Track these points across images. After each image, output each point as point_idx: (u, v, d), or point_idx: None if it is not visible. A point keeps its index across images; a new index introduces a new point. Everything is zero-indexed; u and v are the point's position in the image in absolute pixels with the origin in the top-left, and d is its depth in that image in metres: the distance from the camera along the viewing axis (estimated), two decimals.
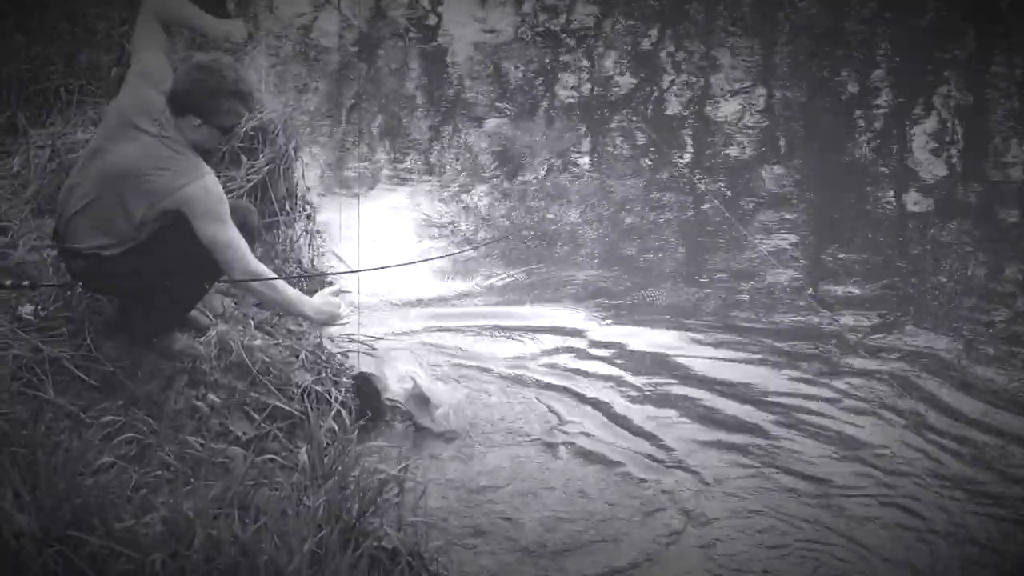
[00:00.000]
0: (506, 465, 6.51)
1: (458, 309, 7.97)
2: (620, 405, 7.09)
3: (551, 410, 6.99)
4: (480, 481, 6.37)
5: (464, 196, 9.43)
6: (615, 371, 7.40)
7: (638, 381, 7.31)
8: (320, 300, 6.06)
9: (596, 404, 7.08)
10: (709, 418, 7.01)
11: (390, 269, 6.53)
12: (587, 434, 6.81)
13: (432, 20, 13.07)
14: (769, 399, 7.17)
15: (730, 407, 7.09)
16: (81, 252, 5.89)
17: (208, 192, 5.75)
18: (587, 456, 6.63)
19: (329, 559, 5.01)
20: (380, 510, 5.57)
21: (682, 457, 6.66)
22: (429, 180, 9.66)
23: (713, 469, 6.57)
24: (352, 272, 6.99)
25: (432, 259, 7.96)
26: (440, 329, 7.70)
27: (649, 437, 6.82)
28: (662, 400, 7.15)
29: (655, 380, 7.32)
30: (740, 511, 6.27)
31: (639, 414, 7.00)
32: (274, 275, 5.94)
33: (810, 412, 7.05)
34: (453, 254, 8.21)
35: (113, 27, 8.32)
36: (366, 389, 6.68)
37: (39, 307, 6.20)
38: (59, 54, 7.92)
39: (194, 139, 5.84)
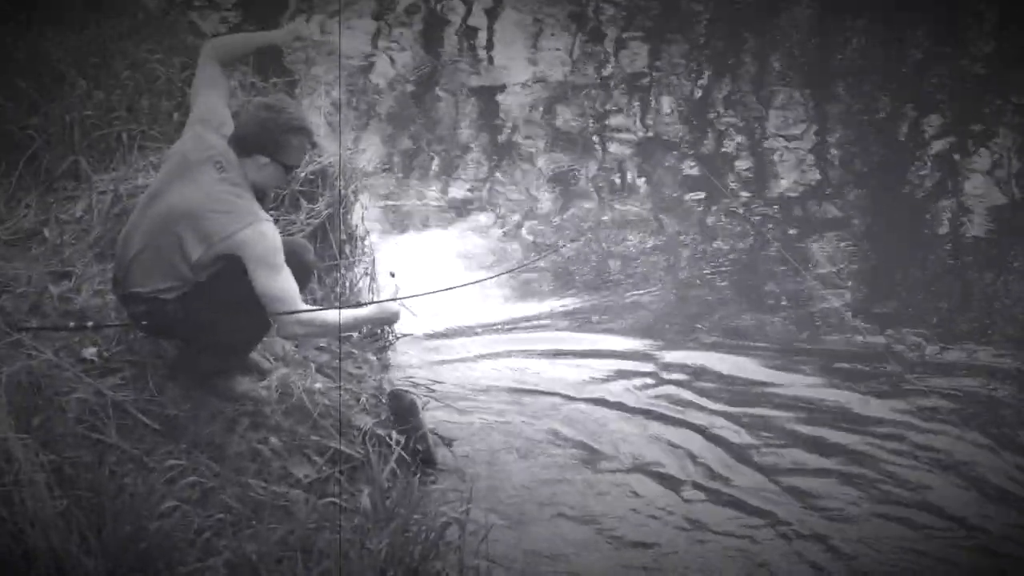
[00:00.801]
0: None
1: (525, 335, 8.03)
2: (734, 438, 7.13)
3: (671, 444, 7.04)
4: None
5: (519, 231, 9.44)
6: (711, 403, 7.43)
7: (735, 410, 7.35)
8: (375, 306, 6.08)
9: (715, 439, 7.12)
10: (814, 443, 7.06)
11: (442, 294, 6.51)
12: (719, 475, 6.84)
13: (485, 62, 13.11)
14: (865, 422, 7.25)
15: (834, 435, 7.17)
16: (141, 296, 5.93)
17: (264, 238, 5.76)
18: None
19: None
20: (442, 553, 5.58)
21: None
22: (482, 215, 9.70)
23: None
24: (395, 299, 6.99)
25: (478, 281, 7.89)
26: (509, 353, 7.81)
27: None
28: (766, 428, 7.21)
29: (749, 409, 7.37)
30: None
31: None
32: (328, 317, 5.90)
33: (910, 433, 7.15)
34: (488, 278, 8.17)
35: (174, 72, 8.39)
36: (398, 407, 6.62)
37: (102, 348, 6.25)
38: (121, 100, 7.98)
39: (258, 179, 5.88)
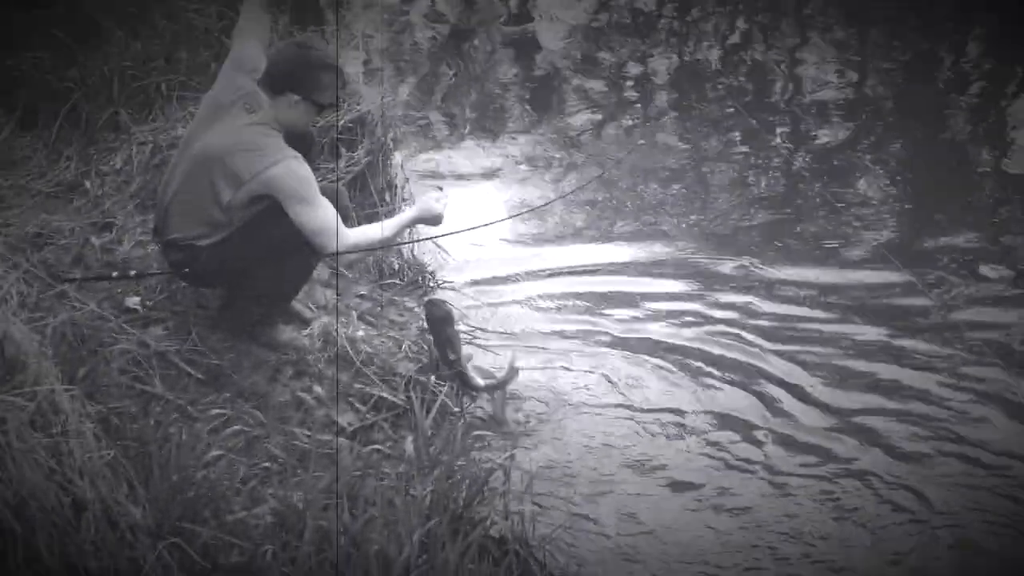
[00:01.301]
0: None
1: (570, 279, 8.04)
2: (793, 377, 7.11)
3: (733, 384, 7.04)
4: None
5: (556, 181, 9.44)
6: (767, 342, 7.42)
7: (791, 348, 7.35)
8: (421, 204, 6.14)
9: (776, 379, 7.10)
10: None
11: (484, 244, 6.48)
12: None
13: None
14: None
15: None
16: (178, 243, 5.97)
17: (294, 173, 5.79)
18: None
19: (438, 548, 5.02)
20: (487, 499, 5.58)
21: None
22: (522, 166, 9.67)
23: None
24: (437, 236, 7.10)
25: (513, 217, 7.97)
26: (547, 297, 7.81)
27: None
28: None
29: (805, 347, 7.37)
30: None
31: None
32: (372, 233, 6.01)
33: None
34: (522, 213, 8.25)
35: (211, 22, 8.36)
36: (436, 315, 6.56)
37: (145, 298, 6.28)
38: (159, 51, 7.97)
39: (289, 119, 5.90)
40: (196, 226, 5.91)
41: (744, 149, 9.92)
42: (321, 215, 5.79)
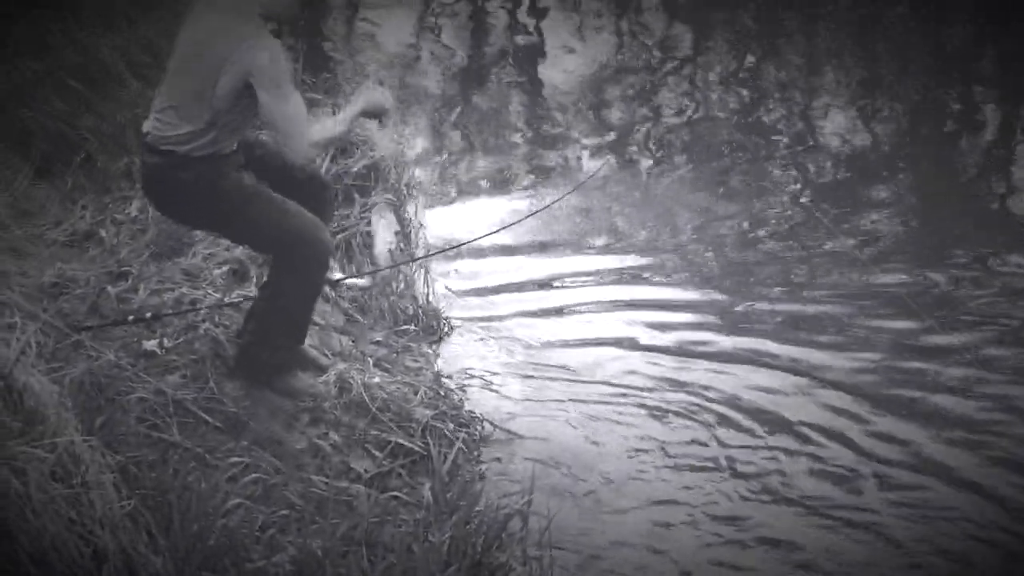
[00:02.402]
0: None
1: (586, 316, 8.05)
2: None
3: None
4: None
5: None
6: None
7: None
8: (366, 95, 6.08)
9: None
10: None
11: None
12: None
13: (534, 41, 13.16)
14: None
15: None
16: (158, 147, 5.88)
17: (272, 55, 5.69)
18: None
19: None
20: (505, 545, 5.58)
21: None
22: (530, 191, 9.74)
23: None
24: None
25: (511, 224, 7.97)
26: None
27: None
28: None
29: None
30: None
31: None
32: (330, 129, 5.98)
33: None
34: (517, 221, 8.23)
35: None
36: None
37: (162, 339, 6.29)
38: None
39: (273, 7, 5.87)
40: (178, 124, 5.82)
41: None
42: (292, 107, 5.70)
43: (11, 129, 7.95)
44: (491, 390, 7.15)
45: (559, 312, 8.07)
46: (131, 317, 6.34)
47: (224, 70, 5.68)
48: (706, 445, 6.73)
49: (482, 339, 7.67)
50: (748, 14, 14.04)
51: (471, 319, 7.85)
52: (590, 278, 8.49)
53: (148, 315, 6.35)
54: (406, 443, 6.28)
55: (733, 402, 7.06)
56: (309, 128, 5.77)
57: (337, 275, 6.90)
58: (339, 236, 7.44)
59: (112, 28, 8.75)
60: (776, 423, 6.85)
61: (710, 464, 6.56)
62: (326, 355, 6.62)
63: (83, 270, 6.86)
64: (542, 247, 8.88)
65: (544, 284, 8.43)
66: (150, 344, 6.31)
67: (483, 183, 10.20)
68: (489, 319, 7.90)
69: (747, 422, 6.88)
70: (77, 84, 7.99)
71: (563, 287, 8.40)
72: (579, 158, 10.74)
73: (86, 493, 4.44)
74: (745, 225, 9.27)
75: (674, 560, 5.89)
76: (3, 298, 6.31)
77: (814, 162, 10.50)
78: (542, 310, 8.07)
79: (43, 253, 7.06)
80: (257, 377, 6.29)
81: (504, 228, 8.04)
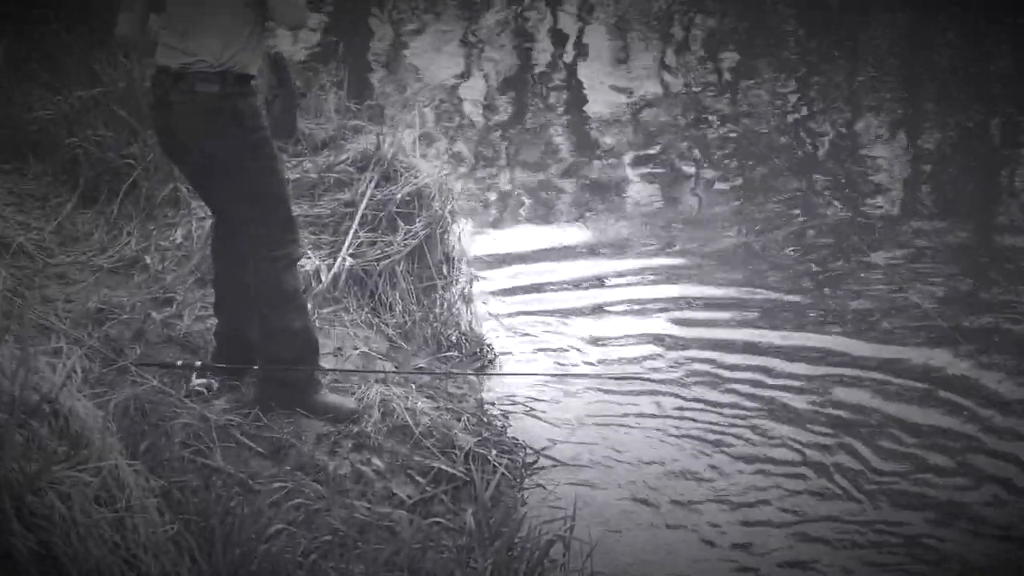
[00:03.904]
0: None
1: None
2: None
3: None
4: None
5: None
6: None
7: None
8: None
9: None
10: None
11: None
12: None
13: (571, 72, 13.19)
14: None
15: None
16: (170, 69, 5.85)
17: None
18: None
19: None
20: (547, 571, 5.57)
21: None
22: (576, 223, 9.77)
23: None
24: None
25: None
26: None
27: None
28: None
29: None
30: None
31: None
32: None
33: None
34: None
35: None
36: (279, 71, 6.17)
37: (211, 382, 6.31)
38: None
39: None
40: (190, 53, 5.78)
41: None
42: None
43: (59, 158, 8.02)
44: (534, 416, 7.16)
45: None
46: (180, 362, 6.35)
47: None
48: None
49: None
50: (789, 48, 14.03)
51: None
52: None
53: (197, 364, 6.35)
54: (449, 469, 6.28)
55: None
56: None
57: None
58: (383, 263, 7.45)
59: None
60: None
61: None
62: (350, 402, 6.49)
63: (128, 296, 6.89)
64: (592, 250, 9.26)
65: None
66: (198, 383, 6.32)
67: (523, 210, 10.30)
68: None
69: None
70: (123, 112, 8.04)
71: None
72: (624, 179, 10.81)
73: (130, 517, 4.45)
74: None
75: None
76: (49, 324, 6.36)
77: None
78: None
79: (88, 279, 7.10)
80: (287, 401, 6.28)
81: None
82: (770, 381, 7.62)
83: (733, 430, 7.12)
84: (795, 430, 7.11)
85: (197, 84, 5.78)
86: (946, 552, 6.10)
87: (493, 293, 8.52)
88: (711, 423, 7.18)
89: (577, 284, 9.01)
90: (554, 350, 8.02)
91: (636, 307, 8.61)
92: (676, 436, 7.06)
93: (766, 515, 6.43)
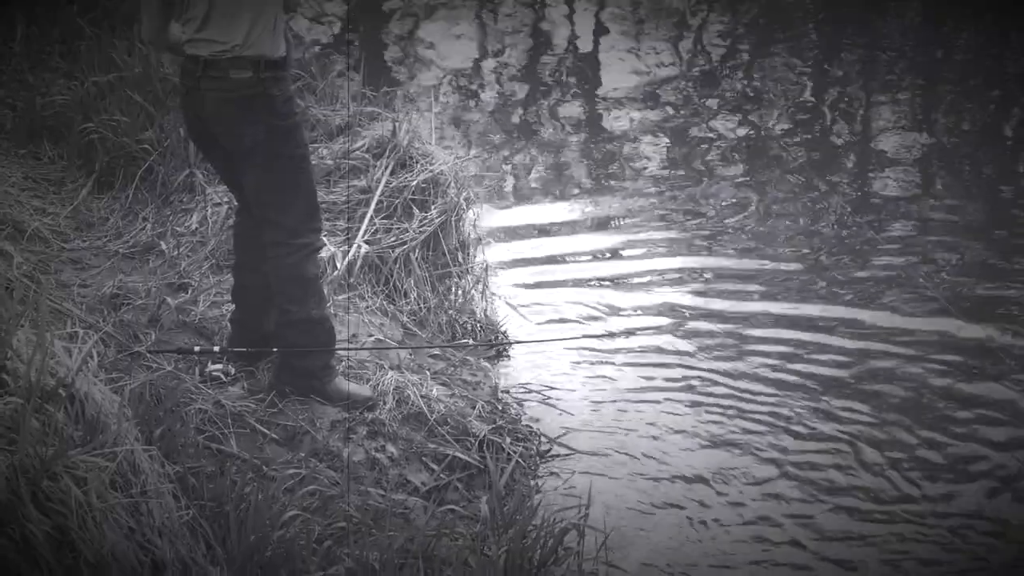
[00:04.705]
0: None
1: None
2: None
3: None
4: None
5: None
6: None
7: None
8: None
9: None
10: None
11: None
12: None
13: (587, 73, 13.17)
14: None
15: None
16: (200, 58, 5.83)
17: None
18: None
19: None
20: (561, 559, 5.57)
21: None
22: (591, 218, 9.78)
23: None
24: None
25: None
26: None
27: None
28: None
29: None
30: None
31: None
32: None
33: None
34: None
35: None
36: None
37: (228, 367, 6.31)
38: None
39: None
40: (215, 42, 5.78)
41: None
42: None
43: (76, 143, 8.02)
44: (549, 404, 7.16)
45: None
46: (198, 348, 6.34)
47: None
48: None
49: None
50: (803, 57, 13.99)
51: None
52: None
53: (215, 349, 6.35)
54: (463, 457, 6.28)
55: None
56: None
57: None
58: (398, 250, 7.45)
59: None
60: None
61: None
62: (366, 390, 6.48)
63: (143, 281, 6.90)
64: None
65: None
66: (215, 369, 6.32)
67: (537, 183, 10.35)
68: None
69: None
70: (139, 97, 8.04)
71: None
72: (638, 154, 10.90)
73: (145, 503, 4.46)
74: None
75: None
76: (65, 309, 6.37)
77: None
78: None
79: (104, 265, 7.11)
80: (302, 387, 6.29)
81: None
82: (798, 353, 7.71)
83: (752, 409, 7.16)
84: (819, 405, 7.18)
85: (231, 70, 5.77)
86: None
87: (508, 264, 8.62)
88: (733, 404, 7.23)
89: (593, 256, 9.11)
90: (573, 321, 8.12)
91: (653, 278, 8.72)
92: (696, 419, 7.10)
93: (782, 491, 6.49)
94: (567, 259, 8.99)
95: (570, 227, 9.55)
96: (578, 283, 8.59)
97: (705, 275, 8.71)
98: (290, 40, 6.05)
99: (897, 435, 6.84)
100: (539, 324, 8.01)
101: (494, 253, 8.41)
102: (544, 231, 9.48)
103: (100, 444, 4.44)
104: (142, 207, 7.66)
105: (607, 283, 8.63)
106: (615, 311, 8.21)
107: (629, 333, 7.89)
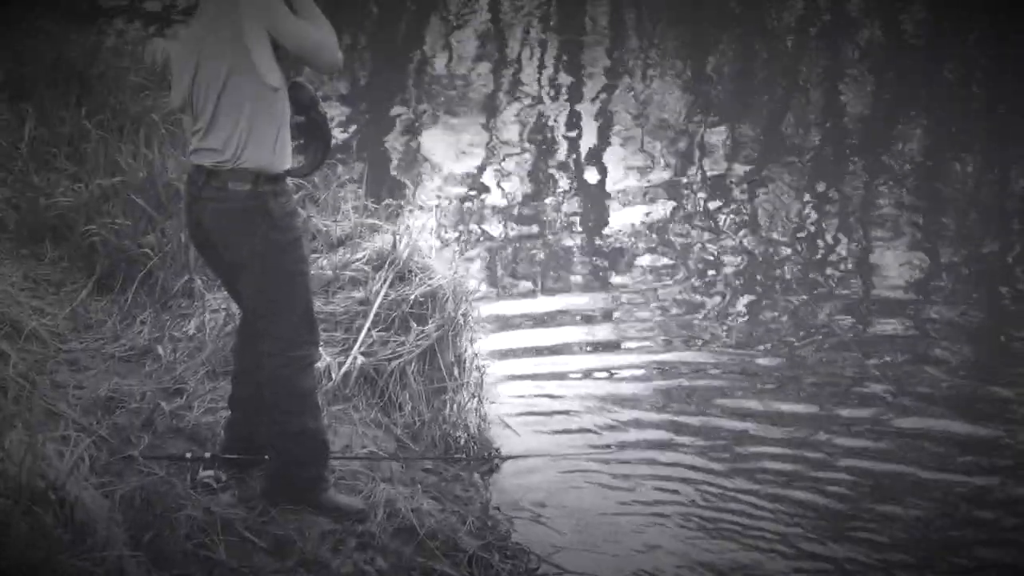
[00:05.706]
0: None
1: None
2: None
3: None
4: None
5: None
6: None
7: None
8: None
9: None
10: None
11: None
12: None
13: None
14: None
15: None
16: (203, 167, 5.87)
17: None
18: None
19: None
20: None
21: None
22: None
23: None
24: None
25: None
26: None
27: None
28: None
29: None
30: None
31: None
32: (312, 28, 5.76)
33: None
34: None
35: None
36: (300, 98, 6.03)
37: (219, 474, 6.30)
38: None
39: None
40: (214, 151, 5.80)
41: None
42: (302, 25, 5.68)
43: (76, 245, 8.06)
44: (539, 522, 7.12)
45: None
46: (189, 455, 6.35)
47: (242, 38, 5.66)
48: None
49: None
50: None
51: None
52: None
53: (206, 455, 6.36)
54: (452, 572, 6.24)
55: None
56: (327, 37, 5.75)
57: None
58: (394, 362, 7.46)
59: (180, 148, 8.86)
60: None
61: None
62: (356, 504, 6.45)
63: (139, 385, 6.91)
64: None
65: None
66: (206, 475, 6.31)
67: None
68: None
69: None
70: (142, 201, 8.09)
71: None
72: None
73: None
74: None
75: None
76: (59, 410, 6.37)
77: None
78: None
79: (100, 367, 7.11)
80: (294, 497, 6.26)
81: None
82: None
83: (753, 526, 7.14)
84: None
85: (230, 182, 5.82)
86: None
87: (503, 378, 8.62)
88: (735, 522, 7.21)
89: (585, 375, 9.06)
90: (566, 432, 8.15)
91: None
92: (691, 529, 7.10)
93: None
94: (568, 375, 8.97)
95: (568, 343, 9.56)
96: (574, 399, 8.57)
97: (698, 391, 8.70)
98: (307, 91, 6.04)
99: None
100: (534, 433, 8.00)
101: (488, 343, 8.47)
102: (540, 321, 9.57)
103: (88, 548, 4.42)
104: (140, 311, 7.68)
105: (603, 400, 8.60)
106: (609, 426, 8.18)
107: (622, 447, 7.89)
